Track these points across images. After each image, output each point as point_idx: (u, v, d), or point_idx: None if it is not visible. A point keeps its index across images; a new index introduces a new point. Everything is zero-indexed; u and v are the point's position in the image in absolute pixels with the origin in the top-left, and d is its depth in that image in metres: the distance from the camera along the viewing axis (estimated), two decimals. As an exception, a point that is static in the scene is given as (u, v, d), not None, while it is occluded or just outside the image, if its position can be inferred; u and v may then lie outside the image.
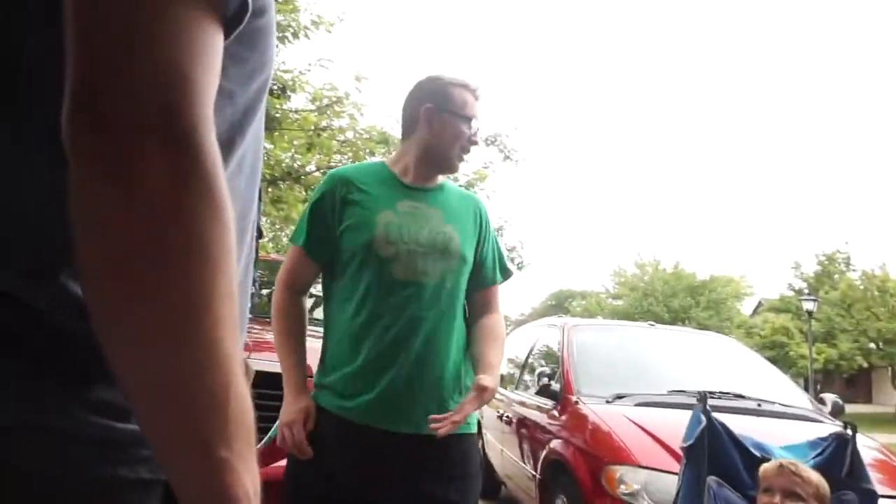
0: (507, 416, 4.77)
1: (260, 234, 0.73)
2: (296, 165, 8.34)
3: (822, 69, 72.65)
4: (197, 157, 0.40)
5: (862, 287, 26.50)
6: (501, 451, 4.86)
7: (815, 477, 1.73)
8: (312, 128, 7.27)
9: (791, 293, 29.56)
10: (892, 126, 69.37)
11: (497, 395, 5.43)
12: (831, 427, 2.87)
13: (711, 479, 1.77)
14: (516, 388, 4.90)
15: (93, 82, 0.40)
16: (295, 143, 7.98)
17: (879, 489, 2.46)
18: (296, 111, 7.57)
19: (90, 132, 0.39)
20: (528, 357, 4.95)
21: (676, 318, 30.85)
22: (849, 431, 2.10)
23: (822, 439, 2.11)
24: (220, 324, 0.41)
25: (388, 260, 1.48)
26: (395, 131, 7.82)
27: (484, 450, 5.91)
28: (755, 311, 36.22)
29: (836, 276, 28.18)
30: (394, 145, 7.71)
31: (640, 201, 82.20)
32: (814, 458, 2.02)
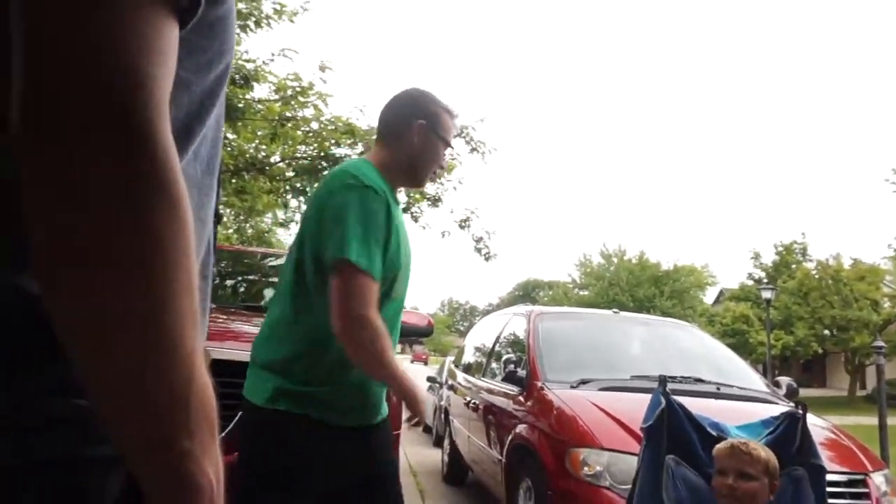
0: (474, 403, 4.81)
1: (218, 220, 0.72)
2: (260, 156, 8.22)
3: (783, 65, 74.48)
4: (152, 155, 0.40)
5: (817, 276, 27.37)
6: (468, 438, 4.91)
7: (765, 454, 1.80)
8: (276, 118, 7.17)
9: (751, 282, 30.36)
10: (846, 122, 71.51)
11: (464, 383, 5.50)
12: (784, 407, 2.97)
13: (670, 458, 1.82)
14: (483, 376, 4.93)
15: (42, 81, 0.39)
16: (259, 133, 7.86)
17: (829, 466, 2.57)
18: (259, 101, 7.45)
19: (41, 132, 0.39)
20: (494, 345, 4.99)
21: (641, 307, 31.39)
22: (800, 411, 2.17)
23: (775, 418, 2.19)
24: (181, 318, 0.42)
25: (395, 278, 1.52)
26: (361, 122, 7.78)
27: (451, 436, 5.95)
28: (717, 300, 37.09)
29: (794, 265, 29.03)
30: (359, 136, 7.64)
31: (606, 192, 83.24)
32: (767, 435, 2.09)
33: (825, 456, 2.50)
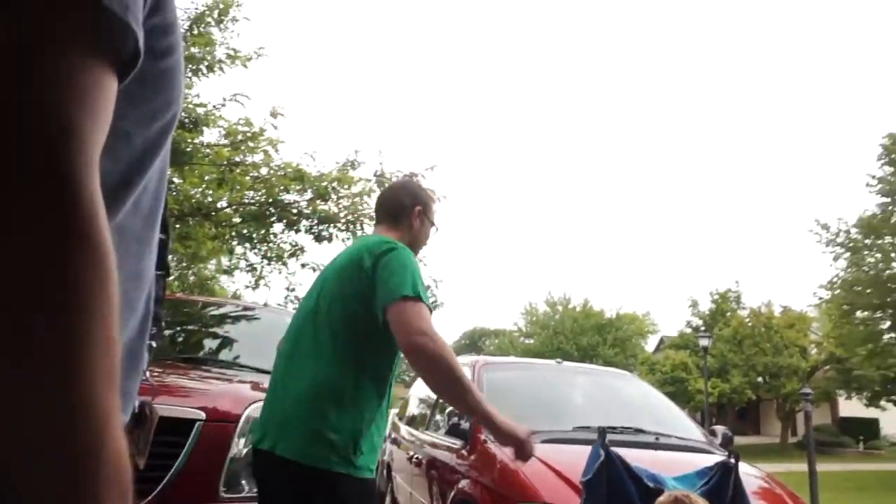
0: (417, 458, 4.73)
1: (167, 273, 0.72)
2: (206, 201, 8.10)
3: (718, 115, 79.01)
4: (75, 207, 0.39)
5: (750, 324, 28.47)
6: (410, 494, 4.81)
7: None
8: (225, 163, 7.11)
9: (689, 330, 31.29)
10: (775, 175, 75.96)
11: (407, 437, 5.42)
12: (720, 457, 3.07)
13: (608, 513, 1.85)
14: (427, 429, 4.88)
15: None
16: (206, 178, 7.77)
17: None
18: (208, 146, 7.39)
19: None
20: (439, 397, 4.96)
21: (585, 355, 31.86)
22: (732, 460, 2.26)
23: (709, 468, 2.26)
24: (97, 378, 0.39)
25: None
26: (311, 168, 7.80)
27: (393, 493, 5.82)
28: (658, 348, 38.00)
29: (729, 313, 30.15)
30: (309, 182, 7.65)
31: (552, 240, 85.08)
32: (701, 486, 2.16)
33: (757, 505, 2.59)
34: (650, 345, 38.69)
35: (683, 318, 40.40)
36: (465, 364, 4.68)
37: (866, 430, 28.11)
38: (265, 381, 2.86)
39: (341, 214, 8.08)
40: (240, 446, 2.21)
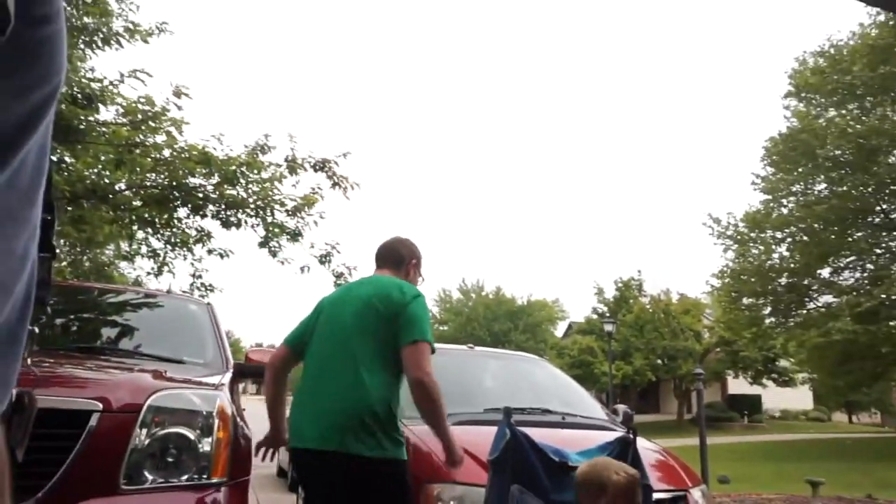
0: (332, 444, 4.72)
1: (53, 255, 0.69)
2: (103, 183, 7.60)
3: (623, 109, 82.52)
4: None
5: (651, 310, 30.18)
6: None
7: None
8: (123, 143, 6.69)
9: (595, 316, 32.75)
10: (677, 167, 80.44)
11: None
12: (620, 433, 3.25)
13: (514, 488, 1.92)
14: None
15: None
16: (102, 158, 7.28)
17: (656, 485, 2.84)
18: (104, 124, 6.92)
19: None
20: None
21: (498, 341, 32.62)
22: (631, 435, 2.40)
23: (610, 443, 2.40)
24: None
25: None
26: (218, 152, 7.48)
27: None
28: (566, 333, 39.52)
29: (631, 300, 31.81)
30: (216, 166, 7.34)
31: (464, 227, 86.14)
32: (603, 459, 2.28)
33: (653, 475, 2.77)
34: (559, 330, 40.18)
35: (590, 304, 42.20)
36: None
37: (751, 406, 30.63)
38: (169, 369, 2.76)
39: (250, 200, 7.82)
40: (142, 437, 2.12)
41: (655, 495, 2.62)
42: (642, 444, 3.37)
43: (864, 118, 17.49)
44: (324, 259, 8.53)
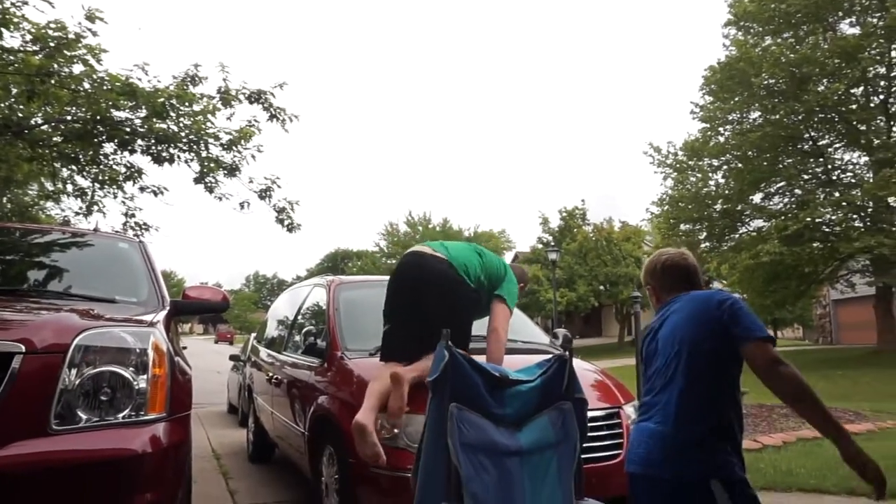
0: (277, 378, 4.73)
1: None
2: (15, 118, 7.08)
3: (570, 38, 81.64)
4: None
5: (594, 238, 30.98)
6: (272, 414, 4.83)
7: None
8: (35, 72, 6.19)
9: (540, 246, 33.42)
10: (619, 102, 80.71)
11: (267, 359, 5.37)
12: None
13: (453, 406, 1.97)
14: (285, 350, 4.86)
15: None
16: (14, 90, 6.75)
17: (592, 403, 2.98)
18: (10, 51, 6.37)
19: None
20: (296, 318, 4.93)
21: (446, 273, 32.89)
22: (566, 354, 2.48)
23: (547, 361, 2.46)
24: None
25: None
26: (144, 83, 7.03)
27: (255, 414, 5.80)
28: (512, 262, 40.23)
29: (576, 229, 32.52)
30: (143, 97, 6.92)
31: (411, 159, 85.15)
32: (540, 375, 2.36)
33: (589, 394, 2.90)
34: (506, 260, 40.85)
35: (535, 234, 42.93)
36: (321, 284, 4.67)
37: (686, 327, 32.24)
38: (99, 308, 2.66)
39: (182, 134, 7.46)
40: (71, 377, 2.06)
41: (591, 413, 2.75)
42: (578, 364, 3.51)
43: (797, 47, 17.85)
44: (264, 194, 8.32)
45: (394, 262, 37.98)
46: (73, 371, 2.08)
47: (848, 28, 18.52)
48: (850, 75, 17.00)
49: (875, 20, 17.55)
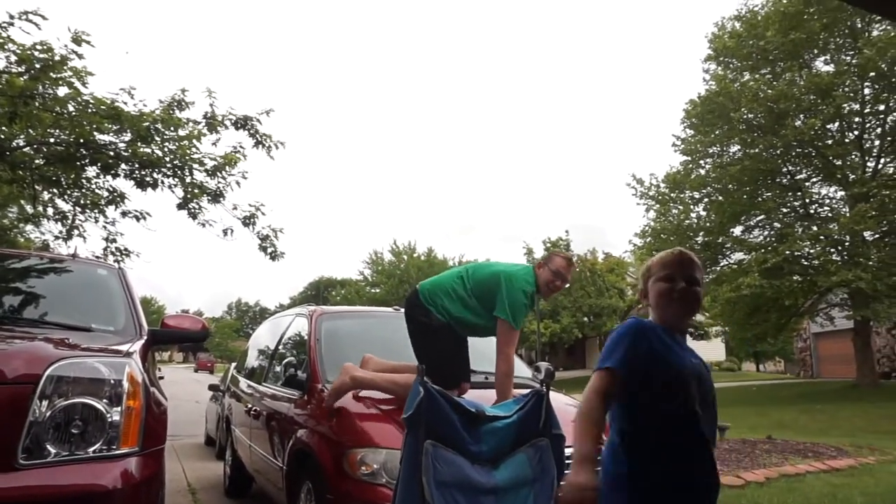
0: (256, 410, 4.65)
1: None
2: (-2, 140, 7.03)
3: (557, 72, 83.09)
4: None
5: (578, 270, 31.11)
6: (250, 447, 4.73)
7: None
8: (18, 94, 6.17)
9: (524, 276, 33.40)
10: (605, 134, 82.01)
11: (246, 390, 5.28)
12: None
13: (428, 443, 1.96)
14: (265, 381, 4.79)
15: None
16: (-5, 111, 6.70)
17: (570, 437, 2.96)
18: (-6, 73, 6.34)
19: None
20: (277, 348, 4.87)
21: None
22: (544, 389, 2.48)
23: (525, 396, 2.46)
24: None
25: None
26: (129, 107, 7.03)
27: (233, 446, 5.68)
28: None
29: (559, 260, 32.61)
30: (128, 122, 6.91)
31: (396, 189, 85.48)
32: (517, 411, 2.35)
33: (566, 428, 2.88)
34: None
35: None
36: (302, 314, 4.63)
37: (668, 358, 32.33)
38: (74, 337, 2.61)
39: (167, 159, 7.44)
40: (42, 409, 2.01)
41: (570, 450, 2.73)
42: (559, 398, 3.50)
43: (774, 83, 18.33)
44: (248, 221, 8.28)
45: (378, 290, 37.80)
46: (44, 403, 2.03)
47: (822, 66, 19.09)
48: (826, 111, 17.47)
49: (848, 58, 18.10)
